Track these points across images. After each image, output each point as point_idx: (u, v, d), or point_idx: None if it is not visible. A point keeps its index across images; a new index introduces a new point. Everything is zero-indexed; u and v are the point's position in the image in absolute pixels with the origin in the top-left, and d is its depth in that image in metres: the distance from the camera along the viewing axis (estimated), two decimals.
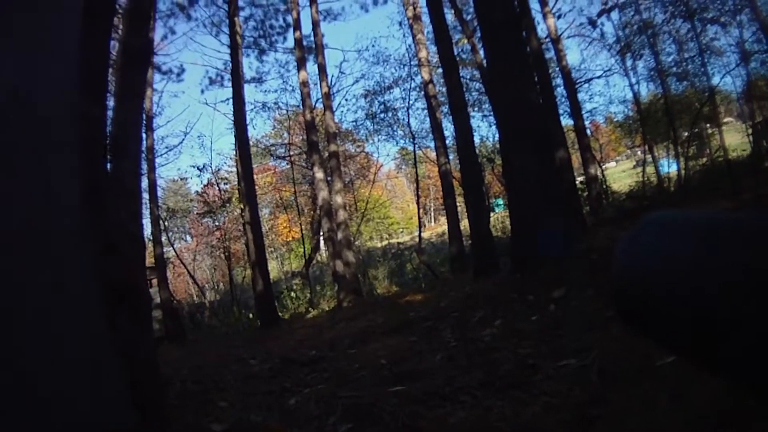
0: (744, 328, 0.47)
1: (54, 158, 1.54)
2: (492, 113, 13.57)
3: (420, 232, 22.84)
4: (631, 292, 0.60)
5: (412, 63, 20.58)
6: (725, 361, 0.51)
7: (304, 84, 17.41)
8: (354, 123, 26.01)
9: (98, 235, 2.91)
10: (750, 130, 20.36)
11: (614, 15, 19.54)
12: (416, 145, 23.41)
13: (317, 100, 19.41)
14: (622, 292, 0.61)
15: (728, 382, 0.51)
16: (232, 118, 16.89)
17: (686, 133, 19.25)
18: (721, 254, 0.51)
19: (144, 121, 17.10)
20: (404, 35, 30.02)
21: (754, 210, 0.54)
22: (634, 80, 21.09)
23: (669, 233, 0.58)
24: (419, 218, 24.14)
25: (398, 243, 27.67)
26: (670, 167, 20.59)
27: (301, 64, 17.53)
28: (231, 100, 16.80)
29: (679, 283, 0.53)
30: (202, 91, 42.59)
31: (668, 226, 0.60)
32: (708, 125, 21.16)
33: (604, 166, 23.85)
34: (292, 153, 24.96)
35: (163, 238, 20.56)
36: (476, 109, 22.84)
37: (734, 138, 23.09)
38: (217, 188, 24.21)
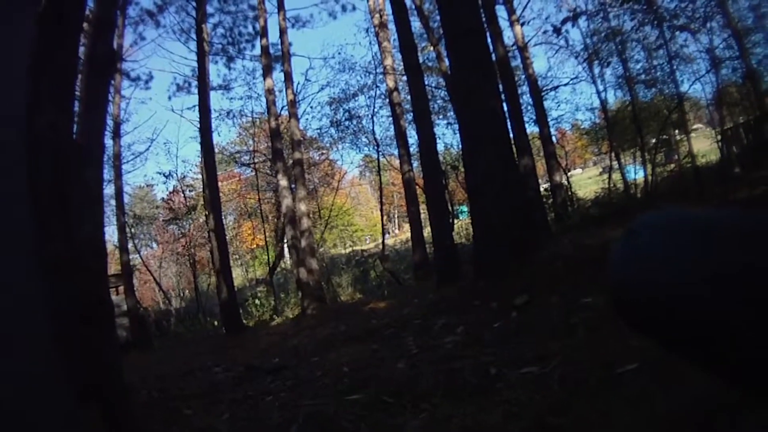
0: (744, 327, 0.49)
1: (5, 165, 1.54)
2: (456, 121, 13.62)
3: (383, 239, 22.86)
4: (629, 293, 0.62)
5: (377, 71, 20.64)
6: (725, 361, 0.53)
7: (270, 91, 17.38)
8: (319, 130, 25.94)
9: (60, 245, 2.90)
10: (719, 137, 20.63)
11: (582, 23, 19.61)
12: (380, 153, 23.51)
13: (282, 107, 19.49)
14: (621, 292, 0.63)
15: (727, 382, 0.55)
16: (198, 125, 16.78)
17: (654, 140, 19.44)
18: (718, 254, 0.53)
19: (112, 128, 17.01)
20: (370, 43, 29.64)
21: (751, 209, 0.55)
22: (601, 87, 21.03)
23: (665, 234, 0.60)
24: (383, 225, 24.23)
25: (362, 250, 27.53)
26: (636, 174, 20.54)
27: (267, 72, 17.49)
28: (197, 107, 16.71)
29: (676, 284, 0.55)
30: (170, 98, 42.05)
31: (665, 227, 0.62)
32: (677, 132, 21.37)
33: (569, 173, 23.99)
34: (256, 160, 24.80)
35: (130, 245, 20.42)
36: (441, 116, 23.03)
37: (703, 144, 23.32)
38: (182, 195, 24.10)
